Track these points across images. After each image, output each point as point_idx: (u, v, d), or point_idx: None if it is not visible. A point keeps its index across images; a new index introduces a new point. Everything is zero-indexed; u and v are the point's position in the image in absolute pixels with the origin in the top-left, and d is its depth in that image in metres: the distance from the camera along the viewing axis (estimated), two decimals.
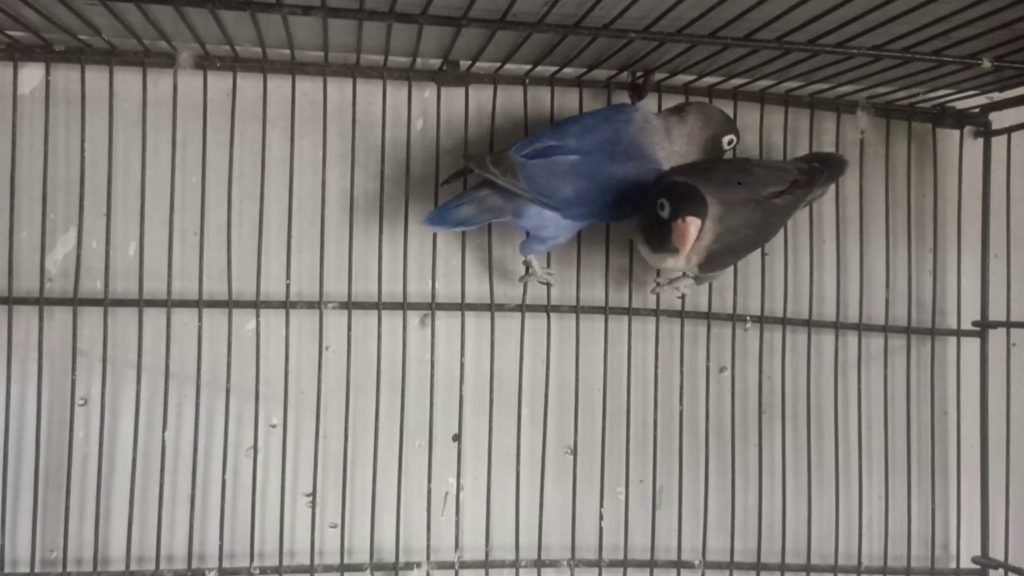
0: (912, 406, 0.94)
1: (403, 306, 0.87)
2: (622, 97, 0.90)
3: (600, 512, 0.89)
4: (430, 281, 0.88)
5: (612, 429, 0.89)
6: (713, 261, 0.79)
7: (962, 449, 0.95)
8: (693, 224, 0.72)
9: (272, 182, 0.85)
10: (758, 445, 0.92)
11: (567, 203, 0.80)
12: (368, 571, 0.85)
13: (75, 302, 0.82)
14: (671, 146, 0.82)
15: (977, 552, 0.95)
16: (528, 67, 0.87)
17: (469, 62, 0.86)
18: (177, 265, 0.84)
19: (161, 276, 0.83)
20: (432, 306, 0.87)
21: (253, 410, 0.85)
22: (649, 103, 0.88)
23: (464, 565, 0.87)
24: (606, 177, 0.80)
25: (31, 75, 0.84)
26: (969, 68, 0.78)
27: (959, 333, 0.96)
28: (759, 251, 0.92)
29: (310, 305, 0.85)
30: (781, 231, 0.90)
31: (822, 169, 0.83)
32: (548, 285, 0.88)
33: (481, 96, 0.89)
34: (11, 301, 0.82)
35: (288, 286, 0.85)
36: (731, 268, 0.92)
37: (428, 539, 0.86)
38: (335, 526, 0.86)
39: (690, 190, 0.74)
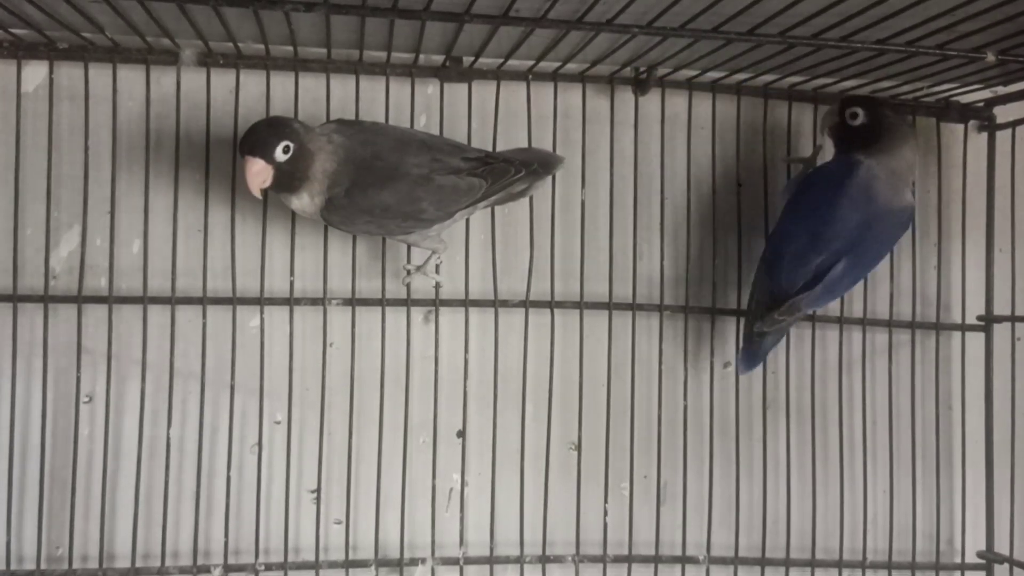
0: (917, 401, 0.94)
1: (407, 302, 0.87)
2: (625, 93, 0.90)
3: (604, 508, 0.89)
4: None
5: (616, 425, 0.89)
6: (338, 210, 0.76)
7: (967, 444, 0.95)
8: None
9: None
10: (762, 440, 0.92)
11: (844, 289, 0.85)
12: (373, 567, 0.85)
13: (79, 299, 0.83)
14: (904, 184, 0.85)
15: (982, 547, 0.95)
16: (531, 63, 0.87)
17: (472, 58, 0.86)
18: (181, 262, 0.84)
19: (165, 273, 0.83)
20: (436, 302, 0.87)
21: (257, 407, 0.85)
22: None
23: (469, 561, 0.87)
24: (874, 249, 0.84)
25: (35, 73, 0.84)
26: (973, 62, 0.78)
27: (964, 328, 0.96)
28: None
29: (314, 302, 0.86)
30: None
31: (517, 165, 0.79)
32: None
33: (484, 92, 0.89)
34: (16, 299, 0.82)
35: (292, 283, 0.85)
36: (735, 263, 0.92)
37: (433, 535, 0.86)
38: (340, 522, 0.86)
39: None
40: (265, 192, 0.81)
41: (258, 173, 0.72)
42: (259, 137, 0.72)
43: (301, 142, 0.73)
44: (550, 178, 0.85)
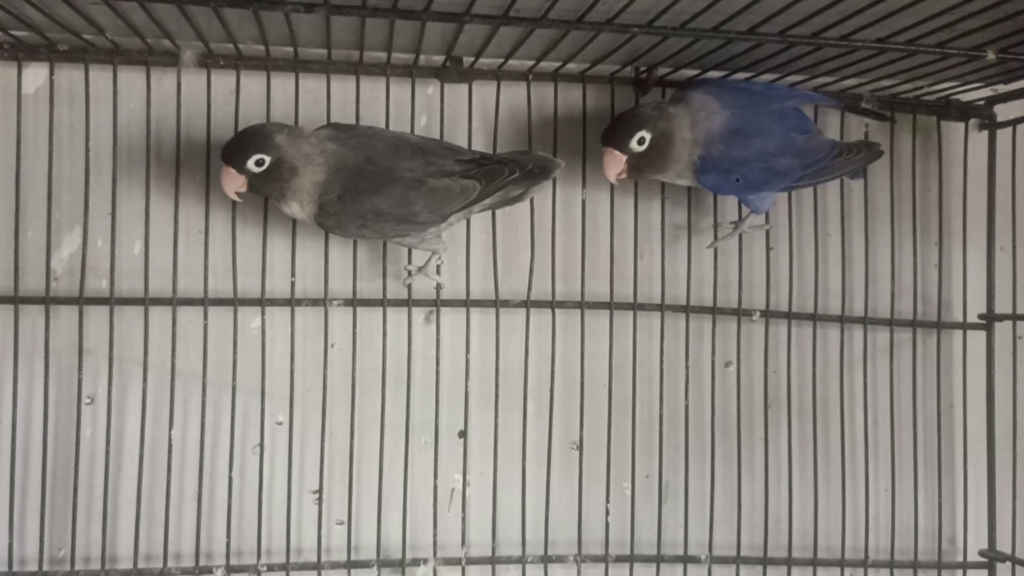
0: (918, 399, 0.94)
1: (408, 303, 0.87)
2: (625, 92, 0.90)
3: (606, 507, 0.89)
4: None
5: (618, 424, 0.89)
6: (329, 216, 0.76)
7: (968, 442, 0.95)
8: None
9: None
10: (764, 439, 0.92)
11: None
12: (375, 568, 0.85)
13: (81, 301, 0.83)
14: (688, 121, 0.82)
15: (984, 545, 0.95)
16: (531, 63, 0.87)
17: (472, 58, 0.86)
18: (182, 263, 0.84)
19: (166, 274, 0.83)
20: (437, 302, 0.87)
21: (259, 407, 0.85)
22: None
23: (471, 561, 0.87)
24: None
25: (35, 75, 0.84)
26: (973, 60, 0.78)
27: (965, 326, 0.96)
28: (764, 246, 0.92)
29: (315, 302, 0.86)
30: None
31: (511, 167, 0.78)
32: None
33: (484, 92, 0.89)
34: (17, 300, 0.82)
35: (293, 283, 0.85)
36: (736, 262, 0.92)
37: (435, 535, 0.86)
38: (342, 523, 0.86)
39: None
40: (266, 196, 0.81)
41: (230, 180, 0.75)
42: (234, 147, 0.75)
43: (281, 156, 0.74)
44: (549, 183, 0.85)
